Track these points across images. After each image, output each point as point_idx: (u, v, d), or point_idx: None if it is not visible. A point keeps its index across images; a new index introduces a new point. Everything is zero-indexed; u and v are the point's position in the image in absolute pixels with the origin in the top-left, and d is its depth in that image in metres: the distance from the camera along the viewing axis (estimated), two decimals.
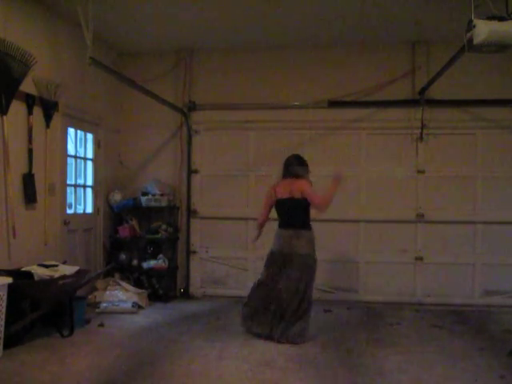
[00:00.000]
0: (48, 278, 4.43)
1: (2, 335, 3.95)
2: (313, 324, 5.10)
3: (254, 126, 6.61)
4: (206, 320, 5.47)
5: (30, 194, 4.91)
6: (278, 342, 4.47)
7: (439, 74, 5.26)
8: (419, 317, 5.73)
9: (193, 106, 6.72)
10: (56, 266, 4.73)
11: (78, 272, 4.78)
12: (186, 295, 6.64)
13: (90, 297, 5.72)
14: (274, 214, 4.94)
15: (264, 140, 6.61)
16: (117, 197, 6.55)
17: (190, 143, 6.74)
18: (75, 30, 4.99)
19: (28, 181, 4.89)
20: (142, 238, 6.58)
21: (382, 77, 6.37)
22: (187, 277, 6.71)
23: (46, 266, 4.63)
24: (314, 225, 5.55)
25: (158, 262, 6.41)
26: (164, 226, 6.56)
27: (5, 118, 4.54)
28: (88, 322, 5.06)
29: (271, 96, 6.56)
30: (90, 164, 6.36)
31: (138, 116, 6.85)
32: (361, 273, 6.36)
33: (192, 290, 6.68)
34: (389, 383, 3.65)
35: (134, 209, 6.58)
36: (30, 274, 4.38)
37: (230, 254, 6.65)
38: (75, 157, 6.09)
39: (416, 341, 4.71)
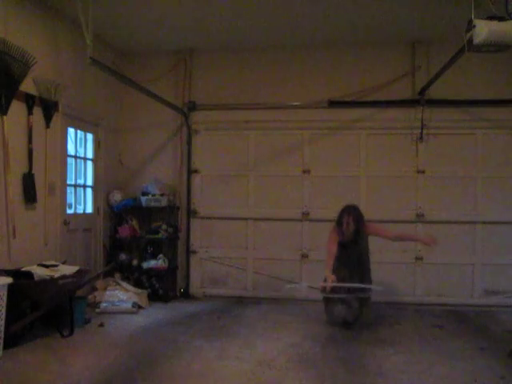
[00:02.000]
0: (48, 278, 4.44)
1: (2, 335, 3.95)
2: (313, 324, 5.12)
3: (254, 125, 6.61)
4: (206, 320, 5.47)
5: (29, 194, 4.91)
6: None
7: (439, 74, 5.26)
8: (419, 317, 5.73)
9: (193, 106, 6.72)
10: (56, 265, 4.73)
11: (77, 272, 4.78)
12: (186, 295, 6.64)
13: (89, 297, 5.72)
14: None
15: (264, 140, 6.61)
16: (117, 197, 6.55)
17: (189, 143, 6.74)
18: (75, 29, 5.00)
19: (28, 181, 4.89)
20: (142, 238, 6.58)
21: (381, 77, 6.38)
22: (187, 277, 6.71)
23: (46, 266, 4.64)
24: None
25: (158, 262, 6.41)
26: (164, 226, 6.56)
27: (5, 117, 4.54)
28: (88, 321, 5.07)
29: (271, 96, 6.56)
30: (89, 164, 6.36)
31: (137, 116, 6.85)
32: None
33: (192, 290, 6.69)
34: (389, 383, 3.65)
35: (133, 209, 6.58)
36: (30, 274, 4.38)
37: (230, 253, 6.65)
38: (75, 157, 6.09)
39: (416, 341, 4.71)
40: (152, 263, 6.40)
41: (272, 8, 5.35)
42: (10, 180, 4.58)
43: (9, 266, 4.48)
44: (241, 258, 6.63)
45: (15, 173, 4.71)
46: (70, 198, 5.95)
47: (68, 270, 4.72)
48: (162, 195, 6.48)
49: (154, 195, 6.46)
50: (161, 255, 6.48)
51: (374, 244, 6.26)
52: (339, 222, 5.20)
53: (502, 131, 6.21)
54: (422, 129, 6.25)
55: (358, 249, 5.24)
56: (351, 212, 5.19)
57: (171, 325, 5.22)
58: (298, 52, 6.57)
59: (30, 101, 4.90)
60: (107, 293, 5.79)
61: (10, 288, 4.01)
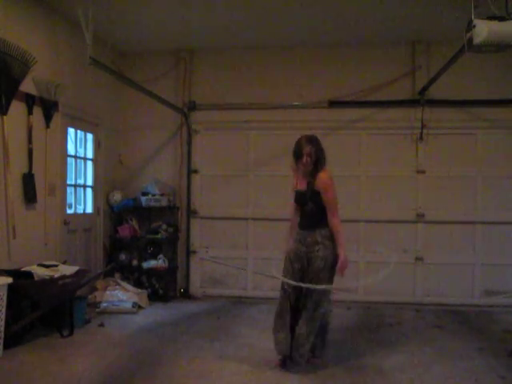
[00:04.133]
0: (48, 278, 4.44)
1: (2, 335, 3.95)
2: None
3: (254, 125, 6.61)
4: (206, 320, 5.47)
5: (30, 194, 4.91)
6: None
7: (439, 74, 5.26)
8: (419, 317, 5.73)
9: (193, 106, 6.71)
10: (56, 266, 4.73)
11: (77, 272, 4.79)
12: (186, 295, 6.64)
13: (90, 297, 5.71)
14: None
15: (264, 140, 6.61)
16: (117, 197, 6.55)
17: (189, 143, 6.74)
18: (75, 30, 4.98)
19: (28, 181, 4.89)
20: (142, 238, 6.58)
21: (382, 77, 6.37)
22: (187, 277, 6.71)
23: (46, 266, 4.64)
24: None
25: (158, 262, 6.41)
26: (164, 226, 6.56)
27: (5, 117, 4.54)
28: (88, 321, 5.07)
29: (271, 96, 6.56)
30: (89, 164, 6.36)
31: (137, 116, 6.84)
32: (361, 273, 6.35)
33: (192, 290, 6.69)
34: (389, 383, 3.65)
35: (134, 209, 6.58)
36: (30, 274, 4.38)
37: (230, 254, 6.65)
38: (75, 157, 6.09)
39: (416, 341, 4.71)
40: (152, 263, 6.40)
41: (272, 8, 5.35)
42: (10, 180, 4.58)
43: (9, 266, 4.47)
44: (241, 258, 6.63)
45: (15, 173, 4.71)
46: (70, 198, 5.95)
47: (68, 270, 4.72)
48: (162, 195, 6.49)
49: (154, 195, 6.46)
50: (161, 255, 6.49)
51: (374, 244, 6.29)
52: (299, 154, 3.88)
53: (502, 131, 6.20)
54: (422, 129, 6.24)
55: (312, 207, 3.89)
56: (313, 141, 3.95)
57: (171, 325, 5.22)
58: (298, 52, 6.56)
59: (30, 101, 4.90)
60: (107, 293, 5.79)
61: (10, 288, 4.01)
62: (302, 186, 3.98)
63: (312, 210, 3.91)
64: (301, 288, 3.80)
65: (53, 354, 4.13)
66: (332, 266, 3.82)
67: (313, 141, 3.97)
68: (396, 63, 6.39)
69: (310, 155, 3.86)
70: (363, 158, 6.43)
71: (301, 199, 3.99)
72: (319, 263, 3.79)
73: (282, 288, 3.91)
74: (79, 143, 6.24)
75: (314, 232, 3.88)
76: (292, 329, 3.80)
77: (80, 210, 6.24)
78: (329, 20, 5.67)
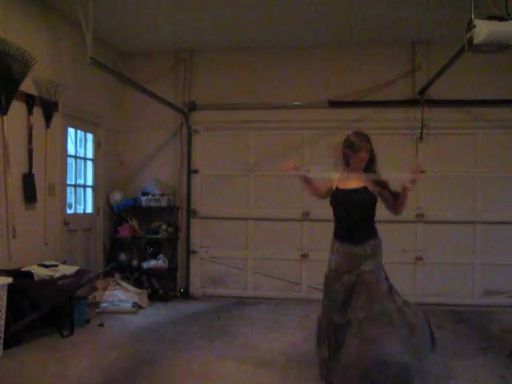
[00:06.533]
0: (48, 278, 4.44)
1: (2, 335, 3.95)
2: (313, 324, 5.09)
3: (254, 125, 6.61)
4: (206, 320, 5.47)
5: (30, 194, 4.91)
6: None
7: (439, 74, 5.26)
8: None
9: (193, 106, 6.71)
10: (56, 266, 4.74)
11: (77, 272, 4.79)
12: (186, 295, 6.64)
13: (90, 297, 5.72)
14: None
15: (264, 140, 6.61)
16: (117, 197, 6.55)
17: (189, 143, 6.74)
18: (75, 29, 4.99)
19: (28, 181, 4.89)
20: (142, 238, 6.58)
21: (382, 77, 6.37)
22: (187, 277, 6.71)
23: (46, 266, 4.64)
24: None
25: (158, 262, 6.42)
26: (164, 226, 6.57)
27: (5, 117, 4.53)
28: (88, 321, 5.07)
29: (271, 96, 6.56)
30: (89, 164, 6.36)
31: (137, 116, 6.85)
32: None
33: (192, 289, 6.68)
34: None
35: (134, 209, 6.58)
36: (30, 274, 4.38)
37: (229, 253, 6.65)
38: (75, 157, 6.09)
39: None
40: (152, 263, 6.41)
41: (271, 8, 5.35)
42: (10, 180, 4.58)
43: (9, 266, 4.48)
44: (241, 258, 6.63)
45: (15, 173, 4.71)
46: (70, 198, 5.95)
47: (68, 270, 4.73)
48: (161, 195, 6.49)
49: (154, 195, 6.47)
50: (161, 255, 6.49)
51: None
52: (357, 147, 3.72)
53: (502, 131, 6.20)
54: (422, 129, 6.24)
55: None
56: (369, 139, 3.80)
57: (171, 325, 5.22)
58: (298, 52, 6.56)
59: (29, 101, 4.90)
60: (107, 293, 5.80)
61: (10, 288, 4.01)
62: (348, 186, 3.62)
63: (363, 218, 3.60)
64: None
65: (53, 353, 4.13)
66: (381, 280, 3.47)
67: (368, 138, 3.75)
68: (396, 63, 6.39)
69: (368, 151, 3.66)
70: None
71: (352, 201, 3.60)
72: (371, 276, 3.40)
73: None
74: (79, 143, 6.24)
75: (363, 245, 3.50)
76: None
77: (80, 210, 6.24)
78: (329, 20, 5.67)
